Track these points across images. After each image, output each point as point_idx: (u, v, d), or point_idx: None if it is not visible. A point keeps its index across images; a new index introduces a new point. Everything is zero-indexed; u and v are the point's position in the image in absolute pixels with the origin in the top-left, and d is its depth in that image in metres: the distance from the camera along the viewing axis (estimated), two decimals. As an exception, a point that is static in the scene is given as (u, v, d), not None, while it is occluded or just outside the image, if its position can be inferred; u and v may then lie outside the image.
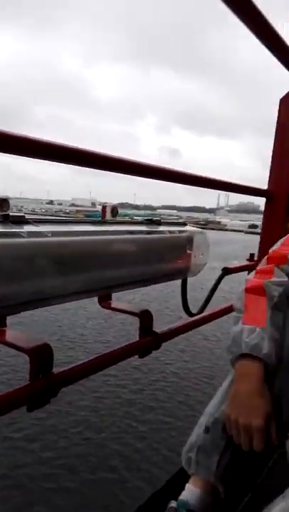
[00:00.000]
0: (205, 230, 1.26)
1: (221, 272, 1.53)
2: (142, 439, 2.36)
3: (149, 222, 1.14)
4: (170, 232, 1.14)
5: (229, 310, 1.26)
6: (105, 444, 2.30)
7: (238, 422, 0.81)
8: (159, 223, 1.14)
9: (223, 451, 0.88)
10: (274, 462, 1.03)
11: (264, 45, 1.15)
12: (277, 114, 1.45)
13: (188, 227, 1.24)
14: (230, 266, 1.56)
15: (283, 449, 0.87)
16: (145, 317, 1.05)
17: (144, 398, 2.90)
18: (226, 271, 1.53)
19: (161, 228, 1.13)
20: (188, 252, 1.19)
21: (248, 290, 0.98)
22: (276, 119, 1.45)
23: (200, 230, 1.24)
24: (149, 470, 2.05)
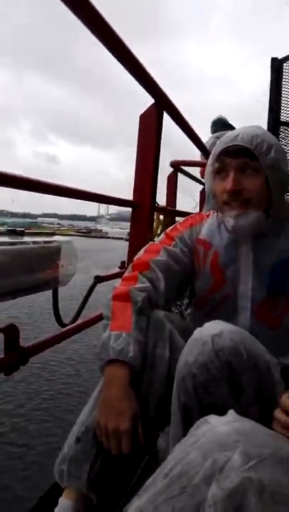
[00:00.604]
0: (71, 239, 1.27)
1: (93, 281, 1.56)
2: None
3: (12, 233, 1.10)
4: (35, 242, 1.12)
5: (101, 318, 1.29)
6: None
7: (107, 427, 0.83)
8: (22, 234, 1.11)
9: (94, 458, 0.88)
10: (147, 462, 1.08)
11: (119, 61, 1.23)
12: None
13: (56, 237, 1.24)
14: (102, 274, 1.60)
15: (155, 447, 0.92)
16: (10, 332, 1.01)
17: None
18: (98, 279, 1.57)
19: (26, 239, 1.10)
20: (56, 262, 1.18)
21: (114, 297, 1.02)
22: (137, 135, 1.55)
23: (67, 239, 1.25)
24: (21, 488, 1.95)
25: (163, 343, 0.96)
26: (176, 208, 2.91)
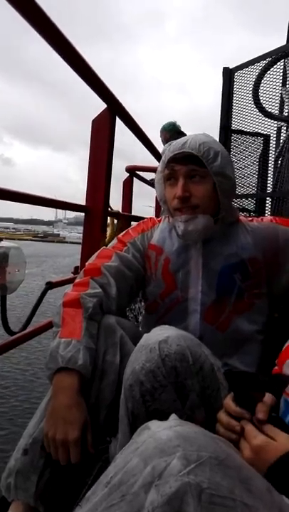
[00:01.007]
0: (20, 245, 1.23)
1: (44, 287, 1.52)
2: None
3: None
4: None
5: (51, 325, 1.26)
6: None
7: (54, 437, 0.81)
8: None
9: (42, 470, 0.86)
10: (99, 470, 1.06)
11: (70, 66, 1.22)
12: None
13: (3, 243, 1.20)
14: (53, 280, 1.56)
15: (107, 454, 0.91)
16: None
17: None
18: (50, 285, 1.53)
19: None
20: (3, 268, 1.14)
21: (65, 304, 1.00)
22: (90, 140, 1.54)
23: (15, 245, 1.21)
24: None
25: (113, 349, 0.96)
26: (133, 213, 2.93)
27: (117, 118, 1.59)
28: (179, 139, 1.05)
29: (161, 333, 0.80)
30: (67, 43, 1.15)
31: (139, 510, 0.43)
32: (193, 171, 1.00)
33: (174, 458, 0.44)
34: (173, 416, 0.53)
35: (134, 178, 3.07)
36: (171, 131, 3.25)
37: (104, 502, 0.45)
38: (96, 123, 1.53)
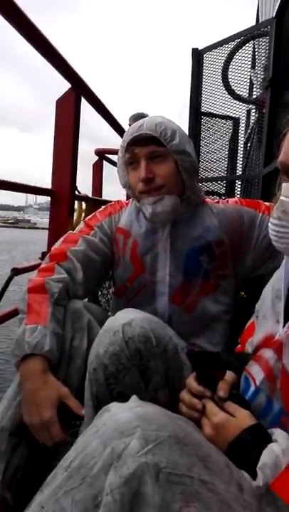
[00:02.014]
0: None
1: (10, 273, 1.48)
2: None
3: None
4: None
5: (17, 312, 1.23)
6: None
7: (32, 423, 0.81)
8: None
9: (10, 456, 0.86)
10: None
11: (29, 42, 1.17)
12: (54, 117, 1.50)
13: None
14: (19, 266, 1.52)
15: (77, 437, 0.91)
16: None
17: None
18: (15, 271, 1.49)
19: None
20: None
21: (30, 290, 0.98)
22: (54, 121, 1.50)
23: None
24: None
25: (81, 334, 0.95)
26: (104, 197, 2.89)
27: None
28: (135, 123, 1.05)
29: (125, 316, 0.80)
30: (23, 17, 1.09)
31: (99, 492, 0.43)
32: (154, 152, 1.00)
33: (132, 439, 0.44)
34: (133, 397, 0.53)
35: (105, 162, 3.03)
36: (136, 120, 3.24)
37: (64, 486, 0.45)
38: (60, 104, 1.48)
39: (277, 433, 0.55)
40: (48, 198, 1.57)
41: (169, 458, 0.43)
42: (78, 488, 0.44)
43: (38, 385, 0.83)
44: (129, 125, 3.43)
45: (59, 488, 0.46)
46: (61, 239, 1.12)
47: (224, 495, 0.44)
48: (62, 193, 1.51)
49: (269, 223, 0.64)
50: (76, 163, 1.56)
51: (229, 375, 0.67)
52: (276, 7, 1.97)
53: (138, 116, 3.36)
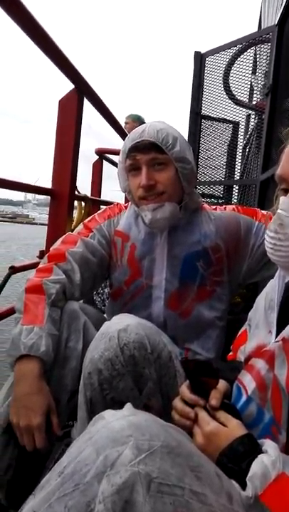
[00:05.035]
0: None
1: (7, 272, 1.48)
2: None
3: None
4: None
5: (13, 311, 1.24)
6: None
7: (19, 425, 0.82)
8: None
9: (1, 454, 0.87)
10: (61, 454, 1.07)
11: (34, 42, 1.17)
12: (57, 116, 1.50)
13: None
14: (17, 264, 1.53)
15: (69, 437, 0.91)
16: None
17: None
18: (13, 270, 1.50)
19: None
20: None
21: (27, 290, 0.98)
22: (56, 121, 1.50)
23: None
24: None
25: (76, 335, 0.96)
26: (103, 198, 2.89)
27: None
28: (136, 129, 1.05)
29: (121, 322, 0.81)
30: (29, 18, 1.09)
31: (92, 499, 0.43)
32: (155, 159, 1.00)
33: (126, 448, 0.45)
34: (128, 405, 0.54)
35: (105, 162, 3.02)
36: (134, 121, 3.27)
37: (57, 491, 0.46)
38: (63, 103, 1.48)
39: (268, 443, 0.56)
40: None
41: (160, 468, 0.44)
42: (71, 494, 0.45)
43: (32, 389, 0.84)
44: (126, 123, 3.44)
45: (52, 494, 0.46)
46: (60, 240, 1.13)
47: (214, 506, 0.45)
48: (62, 193, 1.51)
49: (265, 235, 0.64)
50: (77, 164, 1.56)
51: (222, 384, 0.68)
52: (278, 15, 1.98)
53: (136, 119, 3.37)
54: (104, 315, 1.23)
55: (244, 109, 2.52)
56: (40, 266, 1.06)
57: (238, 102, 2.43)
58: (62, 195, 1.52)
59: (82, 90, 1.51)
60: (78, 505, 0.44)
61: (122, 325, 0.80)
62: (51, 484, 0.47)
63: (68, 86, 1.49)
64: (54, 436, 0.86)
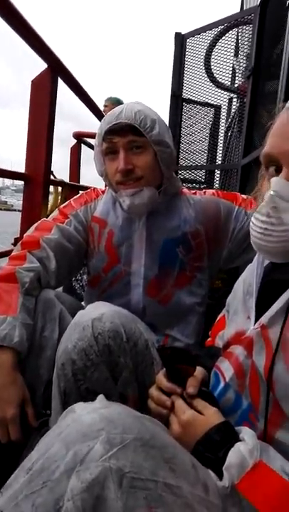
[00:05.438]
0: None
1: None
2: None
3: None
4: None
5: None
6: None
7: None
8: None
9: None
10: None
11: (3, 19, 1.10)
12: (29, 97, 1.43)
13: None
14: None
15: (47, 426, 0.89)
16: None
17: None
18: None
19: None
20: None
21: (0, 279, 0.95)
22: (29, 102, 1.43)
23: None
24: None
25: (52, 324, 0.93)
26: (82, 182, 2.82)
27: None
28: (112, 110, 1.00)
29: (95, 311, 0.78)
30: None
31: (61, 496, 0.41)
32: (133, 142, 0.97)
33: (96, 442, 0.43)
34: (100, 397, 0.52)
35: (83, 145, 2.95)
36: (114, 103, 3.19)
37: (24, 489, 0.44)
38: (36, 83, 1.41)
39: (245, 431, 0.55)
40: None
41: (133, 462, 0.42)
42: (39, 492, 0.42)
43: (5, 381, 0.82)
44: (105, 106, 3.35)
45: (19, 492, 0.44)
46: (34, 226, 1.09)
47: (189, 497, 0.44)
48: (36, 178, 1.46)
49: (253, 218, 0.57)
50: (51, 147, 1.51)
51: (199, 371, 0.66)
52: (261, -5, 1.94)
53: (116, 102, 3.29)
54: (82, 303, 1.20)
55: (226, 93, 2.47)
56: (13, 253, 1.02)
57: (219, 85, 2.38)
58: (36, 179, 1.47)
59: (55, 69, 1.45)
60: (46, 503, 0.42)
61: (97, 314, 0.77)
62: (19, 482, 0.45)
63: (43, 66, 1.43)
64: (30, 428, 0.84)
